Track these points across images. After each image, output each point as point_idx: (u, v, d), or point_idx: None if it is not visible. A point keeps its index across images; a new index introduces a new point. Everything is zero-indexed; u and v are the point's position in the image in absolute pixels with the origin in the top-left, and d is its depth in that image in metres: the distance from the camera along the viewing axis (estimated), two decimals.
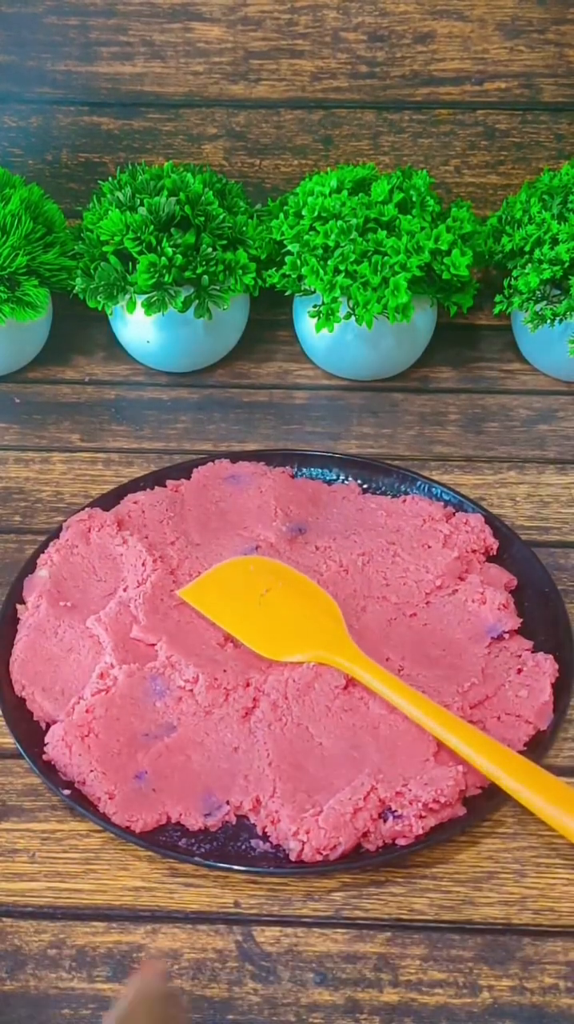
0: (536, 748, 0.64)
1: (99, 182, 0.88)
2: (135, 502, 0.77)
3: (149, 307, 0.82)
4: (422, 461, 0.83)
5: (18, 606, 0.71)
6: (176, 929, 0.58)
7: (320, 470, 0.80)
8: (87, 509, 0.76)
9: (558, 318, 0.81)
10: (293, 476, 0.80)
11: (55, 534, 0.75)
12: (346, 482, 0.80)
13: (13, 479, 0.82)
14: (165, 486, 0.78)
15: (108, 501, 0.77)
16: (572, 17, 0.91)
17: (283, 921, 0.58)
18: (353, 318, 0.81)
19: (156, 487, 0.78)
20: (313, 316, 0.82)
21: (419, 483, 0.78)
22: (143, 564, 0.72)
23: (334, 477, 0.80)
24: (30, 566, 0.73)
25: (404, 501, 0.77)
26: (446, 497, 0.77)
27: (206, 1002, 0.55)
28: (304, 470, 0.80)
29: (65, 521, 0.75)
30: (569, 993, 0.55)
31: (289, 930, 0.58)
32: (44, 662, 0.67)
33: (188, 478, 0.79)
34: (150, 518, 0.75)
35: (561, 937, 0.57)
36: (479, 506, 0.77)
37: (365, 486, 0.79)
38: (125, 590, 0.71)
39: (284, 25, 0.92)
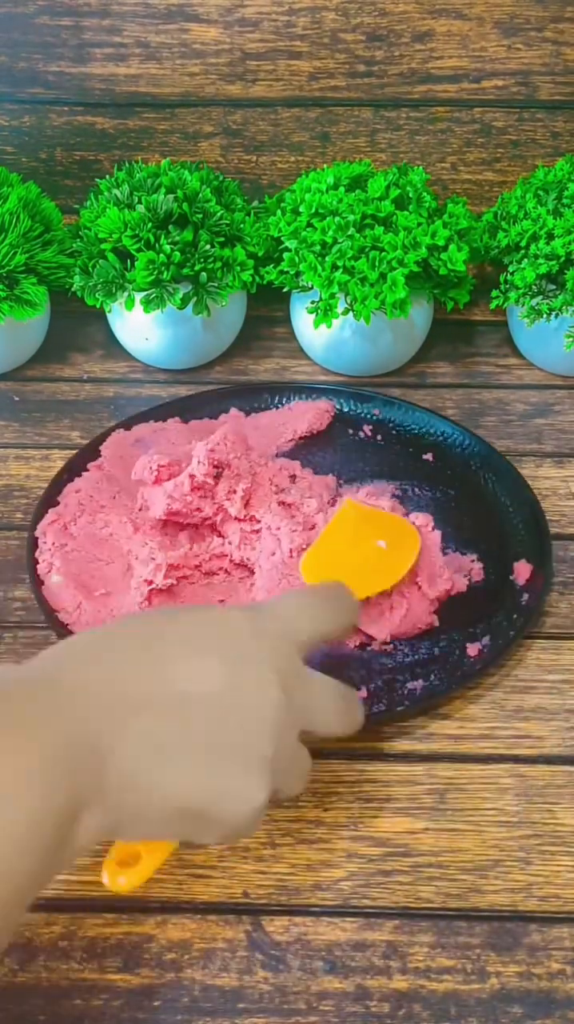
0: None
1: (96, 180, 0.89)
2: (77, 490, 0.77)
3: (147, 304, 0.82)
4: None
5: (58, 614, 0.70)
6: (186, 920, 0.58)
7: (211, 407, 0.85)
8: (50, 511, 0.75)
9: (554, 313, 0.82)
10: (185, 421, 0.84)
11: (33, 547, 0.74)
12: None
13: (14, 476, 0.82)
14: (88, 470, 0.79)
15: (50, 502, 0.77)
16: (570, 16, 0.92)
17: (292, 911, 0.58)
18: (351, 314, 0.81)
19: (83, 474, 0.78)
20: (311, 312, 0.83)
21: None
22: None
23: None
24: (36, 583, 0.72)
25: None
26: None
27: (217, 991, 0.55)
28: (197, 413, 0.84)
29: (32, 533, 0.74)
30: None
31: (298, 919, 0.58)
32: None
33: (99, 456, 0.80)
34: (105, 496, 0.76)
35: (567, 923, 0.58)
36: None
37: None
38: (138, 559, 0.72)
39: (282, 27, 0.93)
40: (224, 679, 0.48)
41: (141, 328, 0.87)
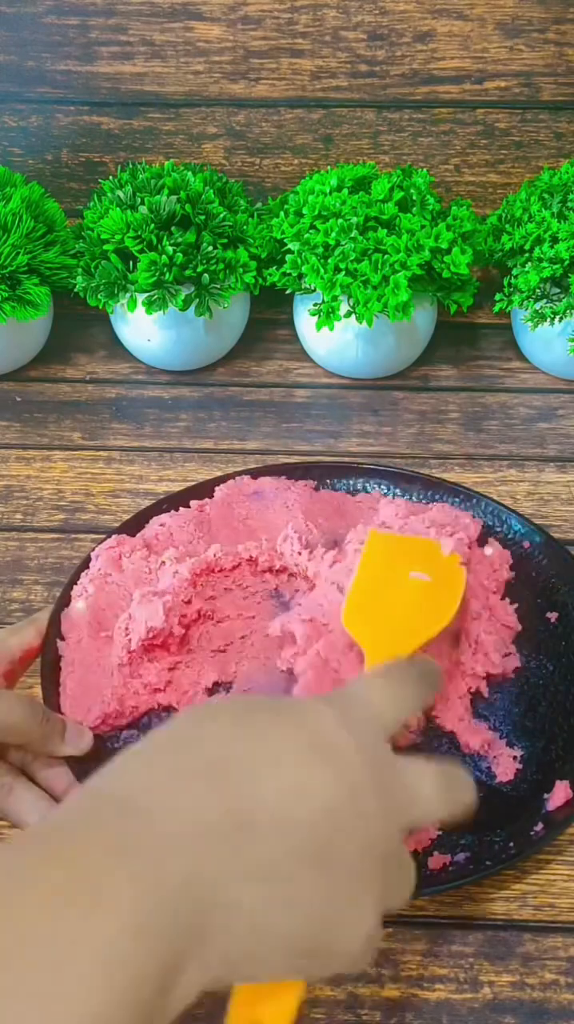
0: None
1: (100, 181, 0.89)
2: (161, 524, 0.73)
3: (150, 306, 0.82)
4: (423, 459, 0.83)
5: (59, 642, 0.67)
6: None
7: (343, 480, 0.78)
8: (114, 536, 0.72)
9: (558, 316, 0.81)
10: (315, 488, 0.77)
11: (85, 564, 0.71)
12: (369, 491, 0.77)
13: (14, 477, 0.82)
14: (189, 507, 0.75)
15: (133, 526, 0.74)
16: (572, 16, 0.91)
17: None
18: (353, 316, 0.81)
19: (180, 508, 0.75)
20: (313, 314, 0.82)
21: (443, 490, 0.76)
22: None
23: (358, 487, 0.78)
24: (65, 600, 0.69)
25: (432, 509, 0.75)
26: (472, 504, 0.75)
27: (206, 998, 0.55)
28: (327, 482, 0.78)
29: (93, 550, 0.71)
30: (570, 988, 0.55)
31: None
32: (96, 696, 0.65)
33: (211, 497, 0.76)
34: (179, 539, 0.72)
35: (561, 933, 0.57)
36: (516, 513, 0.74)
37: (388, 494, 0.77)
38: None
39: (284, 24, 0.93)
40: (322, 790, 0.42)
41: (143, 329, 0.86)
